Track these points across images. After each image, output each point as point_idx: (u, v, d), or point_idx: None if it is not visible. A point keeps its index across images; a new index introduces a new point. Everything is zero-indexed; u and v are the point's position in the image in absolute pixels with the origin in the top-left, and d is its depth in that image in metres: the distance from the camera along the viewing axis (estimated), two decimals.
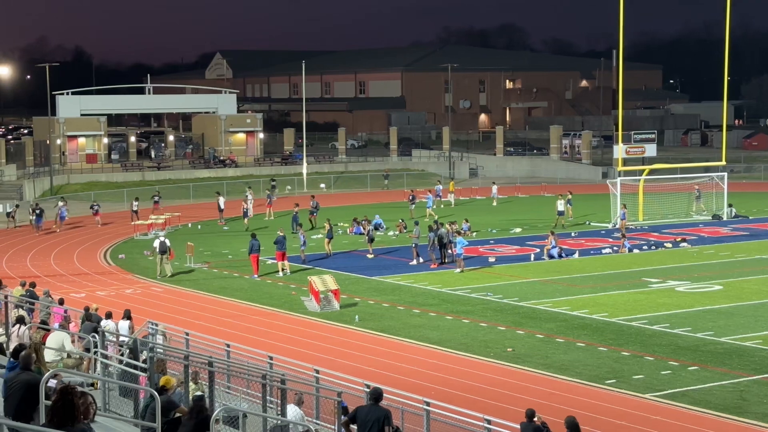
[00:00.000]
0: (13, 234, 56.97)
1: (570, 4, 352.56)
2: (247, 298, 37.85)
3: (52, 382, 12.12)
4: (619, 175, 59.78)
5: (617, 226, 54.19)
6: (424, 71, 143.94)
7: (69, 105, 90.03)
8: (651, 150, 66.84)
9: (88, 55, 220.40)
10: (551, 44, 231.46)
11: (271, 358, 22.27)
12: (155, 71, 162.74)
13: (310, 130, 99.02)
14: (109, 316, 25.86)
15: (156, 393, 13.68)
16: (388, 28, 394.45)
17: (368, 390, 17.30)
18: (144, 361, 18.48)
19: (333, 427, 18.71)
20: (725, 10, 59.95)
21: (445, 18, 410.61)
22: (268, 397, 19.02)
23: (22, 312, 23.68)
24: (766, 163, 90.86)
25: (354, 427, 15.70)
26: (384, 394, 16.13)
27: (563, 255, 45.62)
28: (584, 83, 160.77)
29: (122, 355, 20.24)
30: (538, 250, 46.96)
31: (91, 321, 24.26)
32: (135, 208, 60.02)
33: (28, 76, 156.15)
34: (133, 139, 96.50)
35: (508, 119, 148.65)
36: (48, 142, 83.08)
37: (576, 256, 46.02)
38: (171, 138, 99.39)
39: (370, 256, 46.46)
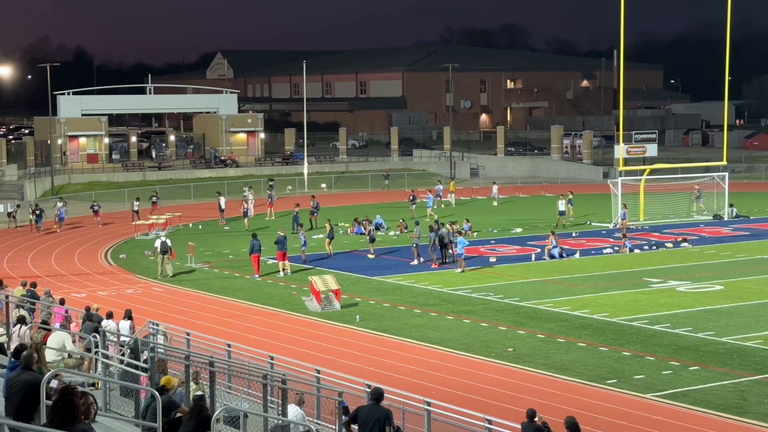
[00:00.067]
0: (14, 234, 56.99)
1: (571, 4, 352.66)
2: (247, 298, 37.85)
3: (54, 383, 12.12)
4: (620, 175, 59.76)
5: (618, 226, 54.20)
6: (425, 71, 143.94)
7: (70, 105, 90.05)
8: (652, 150, 66.82)
9: (89, 55, 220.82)
10: (552, 44, 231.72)
11: (271, 358, 22.26)
12: (156, 71, 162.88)
13: (311, 130, 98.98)
14: (110, 316, 25.85)
15: (157, 393, 13.69)
16: (389, 28, 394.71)
17: (369, 390, 17.29)
18: (145, 361, 18.49)
19: (334, 427, 18.72)
20: (726, 10, 59.94)
21: (446, 18, 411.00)
22: (269, 397, 19.02)
23: (23, 312, 23.69)
24: (766, 163, 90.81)
25: (355, 427, 15.70)
26: (385, 394, 16.13)
27: (564, 255, 45.61)
28: (585, 83, 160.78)
29: (123, 355, 20.24)
30: (539, 250, 46.95)
31: (92, 321, 24.27)
32: (136, 208, 60.10)
33: (30, 76, 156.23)
34: (134, 139, 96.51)
35: (509, 119, 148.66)
36: (49, 142, 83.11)
37: (577, 256, 46.01)
38: (172, 138, 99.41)
39: (371, 256, 46.46)
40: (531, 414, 17.83)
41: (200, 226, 59.93)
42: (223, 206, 60.71)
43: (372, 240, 47.09)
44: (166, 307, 36.23)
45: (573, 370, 26.87)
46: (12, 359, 14.75)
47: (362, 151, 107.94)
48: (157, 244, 43.22)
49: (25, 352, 13.35)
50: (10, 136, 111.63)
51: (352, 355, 29.04)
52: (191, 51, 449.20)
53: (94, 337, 19.72)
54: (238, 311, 35.83)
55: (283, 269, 42.49)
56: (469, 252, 44.98)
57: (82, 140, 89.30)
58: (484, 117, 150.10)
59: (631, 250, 47.30)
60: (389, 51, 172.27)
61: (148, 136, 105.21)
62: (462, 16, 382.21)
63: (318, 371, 20.90)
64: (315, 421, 19.46)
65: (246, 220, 57.49)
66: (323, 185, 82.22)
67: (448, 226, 45.99)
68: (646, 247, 48.54)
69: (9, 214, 60.24)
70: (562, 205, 57.15)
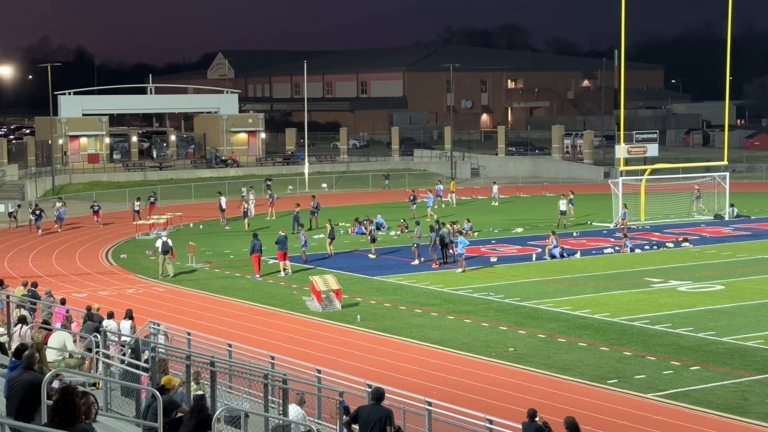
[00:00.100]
0: (15, 234, 57.00)
1: (572, 4, 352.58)
2: (248, 298, 37.85)
3: (56, 383, 12.12)
4: (621, 175, 59.75)
5: (618, 226, 54.17)
6: (426, 71, 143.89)
7: (71, 105, 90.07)
8: (653, 150, 66.82)
9: (90, 55, 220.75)
10: (553, 44, 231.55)
11: (272, 357, 22.26)
12: (157, 71, 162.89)
13: (311, 130, 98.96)
14: (110, 315, 25.85)
15: (158, 393, 13.68)
16: (389, 28, 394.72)
17: (370, 390, 17.29)
18: (146, 361, 18.49)
19: (335, 427, 18.71)
20: (727, 9, 59.94)
21: (446, 18, 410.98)
22: (269, 397, 19.01)
23: (24, 312, 23.70)
24: (767, 163, 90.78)
25: (356, 427, 15.70)
26: (386, 394, 16.12)
27: (565, 255, 45.60)
28: (586, 83, 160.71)
29: (124, 354, 20.24)
30: (539, 249, 46.95)
31: (92, 321, 24.27)
32: (137, 208, 60.13)
33: (30, 76, 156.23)
34: (134, 139, 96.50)
35: (509, 119, 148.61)
36: (50, 142, 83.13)
37: (578, 255, 46.01)
38: (173, 138, 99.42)
39: (372, 256, 46.46)
40: (532, 414, 17.83)
41: (201, 226, 59.94)
42: (224, 206, 60.72)
43: (373, 240, 47.09)
44: (167, 307, 36.24)
45: (574, 370, 26.86)
46: (13, 359, 14.76)
47: (363, 151, 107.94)
48: (159, 244, 43.23)
49: (26, 352, 13.36)
50: (11, 136, 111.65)
51: (352, 355, 29.04)
52: (192, 51, 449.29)
53: (95, 336, 19.72)
54: (239, 311, 35.83)
55: (284, 269, 42.50)
56: (470, 252, 44.97)
57: (83, 140, 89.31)
58: (484, 117, 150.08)
59: (632, 250, 47.28)
60: (390, 51, 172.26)
61: (149, 136, 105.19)
62: (462, 16, 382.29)
63: (319, 371, 20.90)
64: (316, 421, 19.46)
65: (246, 220, 57.40)
66: (324, 185, 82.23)
67: (448, 226, 45.99)
68: (647, 247, 48.53)
69: (10, 214, 60.26)
70: (563, 204, 57.17)
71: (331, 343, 30.51)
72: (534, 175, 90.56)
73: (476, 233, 52.72)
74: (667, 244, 49.39)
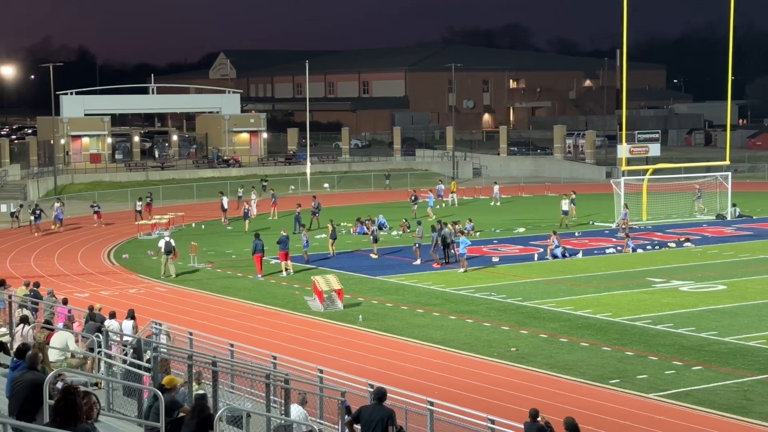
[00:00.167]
0: (17, 234, 57.03)
1: (573, 4, 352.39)
2: (250, 298, 37.86)
3: (61, 384, 12.12)
4: (623, 175, 59.73)
5: (620, 226, 54.12)
6: (428, 71, 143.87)
7: (73, 105, 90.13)
8: (655, 150, 66.78)
9: (92, 55, 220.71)
10: (555, 44, 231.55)
11: (274, 357, 22.28)
12: (159, 71, 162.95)
13: (313, 130, 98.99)
14: (112, 315, 25.88)
15: (159, 392, 13.69)
16: (391, 28, 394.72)
17: (372, 390, 17.29)
18: (148, 361, 18.49)
19: (336, 426, 18.71)
20: (729, 9, 59.90)
21: (448, 18, 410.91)
22: (271, 397, 19.01)
23: (26, 312, 23.71)
24: None
25: (358, 426, 15.69)
26: (388, 394, 16.12)
27: (567, 255, 45.59)
28: (588, 83, 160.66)
29: (126, 354, 20.25)
30: (541, 249, 46.93)
31: (94, 321, 24.29)
32: (139, 208, 60.21)
33: (32, 76, 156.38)
34: (136, 138, 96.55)
35: (511, 119, 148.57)
36: (52, 142, 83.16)
37: (580, 255, 46.01)
38: (175, 138, 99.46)
39: (373, 255, 46.46)
40: (534, 414, 17.82)
41: (203, 226, 59.95)
42: (225, 206, 60.75)
43: (375, 240, 47.10)
44: (169, 307, 36.25)
45: (576, 370, 26.86)
46: (15, 358, 14.77)
47: (365, 150, 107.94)
48: (161, 244, 43.24)
49: (30, 352, 13.37)
50: (13, 136, 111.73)
51: (354, 354, 29.04)
52: (194, 51, 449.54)
53: (97, 336, 19.73)
54: (241, 311, 35.84)
55: (286, 269, 42.51)
56: (472, 252, 44.97)
57: (85, 140, 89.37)
58: (486, 117, 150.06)
59: (634, 250, 47.27)
60: (392, 51, 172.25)
61: (150, 136, 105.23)
62: (464, 15, 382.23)
63: (321, 371, 20.91)
64: (318, 420, 19.47)
65: (246, 222, 56.95)
66: (326, 185, 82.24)
67: (450, 226, 45.99)
68: (648, 247, 48.51)
69: (12, 214, 60.30)
70: (565, 204, 57.17)
71: (333, 343, 30.51)
72: (536, 175, 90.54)
73: (478, 233, 52.74)
74: (669, 244, 49.37)
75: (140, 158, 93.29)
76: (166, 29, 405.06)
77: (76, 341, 21.85)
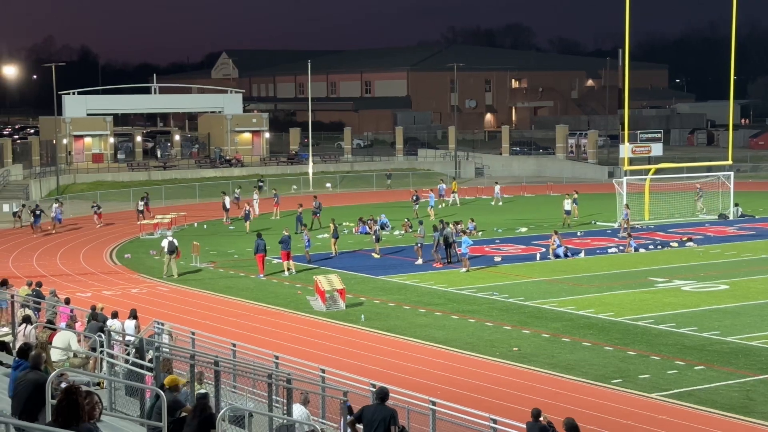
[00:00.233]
0: (19, 233, 57.07)
1: (575, 4, 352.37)
2: (252, 298, 37.87)
3: (65, 384, 12.13)
4: (625, 175, 59.70)
5: (621, 226, 54.05)
6: (430, 71, 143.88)
7: (75, 105, 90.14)
8: (657, 149, 66.75)
9: (94, 54, 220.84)
10: (557, 44, 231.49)
11: (276, 357, 22.28)
12: (161, 71, 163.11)
13: (315, 130, 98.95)
14: (115, 315, 25.91)
15: (161, 392, 13.70)
16: (393, 28, 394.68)
17: (374, 389, 17.29)
18: (150, 361, 18.51)
19: (339, 426, 18.71)
20: (731, 9, 59.87)
21: (450, 17, 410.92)
22: (273, 397, 19.02)
23: (28, 311, 23.74)
24: None
25: (360, 426, 15.70)
26: (390, 394, 16.12)
27: (569, 254, 45.58)
28: (590, 83, 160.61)
29: (128, 354, 20.27)
30: (543, 249, 46.91)
31: (97, 320, 24.31)
32: (140, 208, 60.27)
33: (35, 76, 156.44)
34: (139, 138, 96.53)
35: (513, 119, 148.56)
36: (54, 141, 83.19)
37: (582, 255, 46.00)
38: (177, 138, 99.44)
39: (376, 255, 46.46)
40: (536, 413, 17.82)
41: (205, 226, 59.97)
42: (227, 206, 60.76)
43: (377, 239, 47.10)
44: (171, 307, 36.27)
45: (578, 370, 26.85)
46: (17, 358, 14.78)
47: (367, 150, 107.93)
48: (164, 243, 43.24)
49: (33, 352, 13.39)
50: (16, 136, 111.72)
51: (357, 354, 29.04)
52: (196, 51, 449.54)
53: (100, 336, 19.75)
54: (243, 311, 35.85)
55: (288, 269, 42.52)
56: (474, 251, 44.98)
57: (87, 140, 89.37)
58: (488, 116, 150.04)
59: (636, 250, 47.25)
60: (394, 51, 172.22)
61: (153, 135, 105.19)
62: (466, 15, 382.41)
63: (323, 371, 20.91)
64: (320, 420, 19.48)
65: (247, 223, 56.61)
66: (328, 185, 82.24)
67: (451, 226, 45.97)
68: (651, 247, 48.50)
69: (14, 214, 60.34)
70: (567, 204, 57.18)
71: (335, 343, 30.52)
72: (538, 175, 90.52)
73: (480, 233, 52.73)
74: (671, 243, 49.35)
75: (142, 158, 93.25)
76: (169, 29, 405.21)
77: (79, 341, 21.88)
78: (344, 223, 56.33)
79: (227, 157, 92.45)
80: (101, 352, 19.42)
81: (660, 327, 31.47)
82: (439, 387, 24.77)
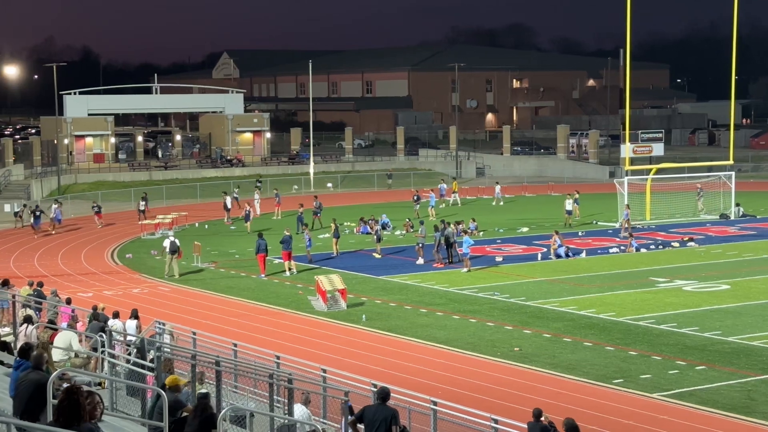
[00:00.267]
0: (20, 234, 57.07)
1: (577, 4, 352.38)
2: (254, 298, 37.88)
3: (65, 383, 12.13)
4: (627, 175, 59.69)
5: (622, 226, 54.02)
6: (431, 71, 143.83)
7: (76, 105, 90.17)
8: (658, 149, 66.74)
9: (95, 54, 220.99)
10: (558, 44, 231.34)
11: (278, 357, 22.28)
12: (162, 71, 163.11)
13: (317, 130, 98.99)
14: (116, 315, 25.90)
15: (162, 392, 13.70)
16: (394, 28, 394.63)
17: (375, 389, 17.29)
18: (151, 361, 18.51)
19: (340, 426, 18.71)
20: (732, 9, 59.86)
21: (452, 17, 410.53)
22: (275, 397, 19.03)
23: (29, 311, 23.74)
24: None
25: (361, 426, 15.70)
26: (391, 394, 16.12)
27: (570, 254, 45.57)
28: (591, 82, 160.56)
29: (129, 354, 20.27)
30: (545, 249, 46.90)
31: (98, 320, 24.31)
32: (141, 208, 60.31)
33: (36, 76, 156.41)
34: (140, 138, 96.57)
35: (515, 118, 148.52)
36: (55, 141, 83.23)
37: (583, 255, 45.98)
38: (178, 137, 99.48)
39: (377, 255, 46.46)
40: (537, 413, 17.82)
41: (206, 226, 59.97)
42: (229, 206, 60.76)
43: (379, 239, 47.09)
44: (172, 307, 36.27)
45: (579, 370, 26.85)
46: (18, 358, 14.78)
47: (368, 150, 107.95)
48: (166, 243, 43.24)
49: (35, 352, 13.39)
50: (17, 136, 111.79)
51: (358, 354, 29.04)
52: (197, 51, 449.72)
53: (101, 336, 19.74)
54: (245, 311, 35.85)
55: (289, 269, 42.52)
56: (475, 251, 44.97)
57: (89, 140, 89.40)
58: (490, 116, 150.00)
59: (637, 250, 47.25)
60: (395, 50, 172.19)
61: (154, 135, 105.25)
62: (467, 15, 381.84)
63: (324, 371, 20.92)
64: (321, 420, 19.47)
65: (248, 223, 56.52)
66: (329, 185, 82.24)
67: (452, 225, 45.97)
68: (652, 247, 48.49)
69: (16, 214, 60.33)
70: (569, 204, 57.17)
71: (337, 343, 30.52)
72: (539, 175, 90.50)
73: (481, 233, 52.73)
74: (672, 243, 49.34)
75: (143, 158, 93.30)
76: (170, 29, 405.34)
77: (80, 341, 21.88)
78: (345, 223, 56.33)
79: (228, 157, 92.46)
80: (102, 352, 19.41)
81: (661, 327, 31.46)
82: (440, 387, 24.76)
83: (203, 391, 16.93)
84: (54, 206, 58.59)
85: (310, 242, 45.34)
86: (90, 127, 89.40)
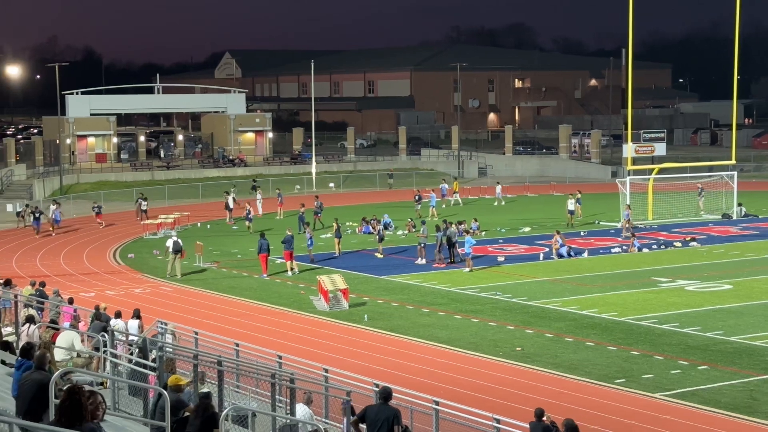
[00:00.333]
0: (23, 233, 57.08)
1: (579, 4, 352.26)
2: (256, 298, 37.88)
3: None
4: (629, 175, 59.66)
5: (623, 227, 53.97)
6: (433, 70, 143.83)
7: (79, 105, 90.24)
8: (660, 149, 66.68)
9: (97, 54, 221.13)
10: (560, 43, 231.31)
11: (280, 357, 22.28)
12: (164, 71, 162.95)
13: (319, 130, 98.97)
14: (118, 315, 25.91)
15: (164, 392, 13.70)
16: (396, 28, 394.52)
17: (377, 389, 17.29)
18: (153, 361, 18.51)
19: (342, 426, 18.71)
20: (735, 8, 59.81)
21: (454, 17, 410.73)
22: (277, 396, 19.02)
23: (31, 311, 23.75)
24: None
25: (363, 426, 15.69)
26: (393, 393, 16.12)
27: (572, 254, 45.56)
28: (593, 82, 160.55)
29: (131, 354, 20.27)
30: (547, 249, 46.89)
31: (100, 320, 24.31)
32: (144, 208, 60.35)
33: (38, 76, 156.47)
34: (142, 138, 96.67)
35: (517, 118, 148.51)
36: (58, 141, 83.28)
37: (585, 255, 45.96)
38: (180, 137, 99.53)
39: (379, 255, 46.45)
40: (539, 413, 17.82)
41: (208, 226, 59.97)
42: (231, 206, 60.75)
43: (381, 239, 47.09)
44: (174, 307, 36.27)
45: (581, 370, 26.84)
46: (19, 358, 14.79)
47: (370, 150, 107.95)
48: (169, 243, 43.26)
49: (38, 352, 13.39)
50: (19, 136, 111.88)
51: (360, 354, 29.04)
52: (199, 51, 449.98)
53: (103, 336, 19.75)
54: (247, 310, 35.86)
55: (291, 269, 42.51)
56: (477, 251, 44.97)
57: (91, 140, 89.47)
58: (492, 116, 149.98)
59: (639, 250, 47.23)
60: (397, 50, 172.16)
61: (156, 135, 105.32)
62: (469, 15, 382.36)
63: (326, 370, 20.91)
64: (323, 420, 19.47)
65: (248, 223, 56.46)
66: (331, 185, 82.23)
67: (454, 225, 45.98)
68: (654, 247, 48.46)
69: (18, 214, 60.34)
70: (571, 204, 57.15)
71: (339, 343, 30.52)
72: (541, 175, 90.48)
73: (483, 233, 52.71)
74: (674, 243, 49.32)
75: (146, 158, 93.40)
76: (172, 29, 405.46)
77: (82, 341, 21.89)
78: (347, 223, 56.34)
79: (230, 157, 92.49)
80: (104, 351, 19.42)
81: (663, 327, 31.44)
82: (443, 387, 24.76)
83: (205, 390, 16.95)
84: (52, 207, 58.45)
85: (311, 242, 45.33)
86: (92, 127, 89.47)
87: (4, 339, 21.97)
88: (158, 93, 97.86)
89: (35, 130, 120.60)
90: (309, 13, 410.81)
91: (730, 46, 61.60)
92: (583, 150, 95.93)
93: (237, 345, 23.73)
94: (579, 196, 59.07)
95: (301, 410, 18.34)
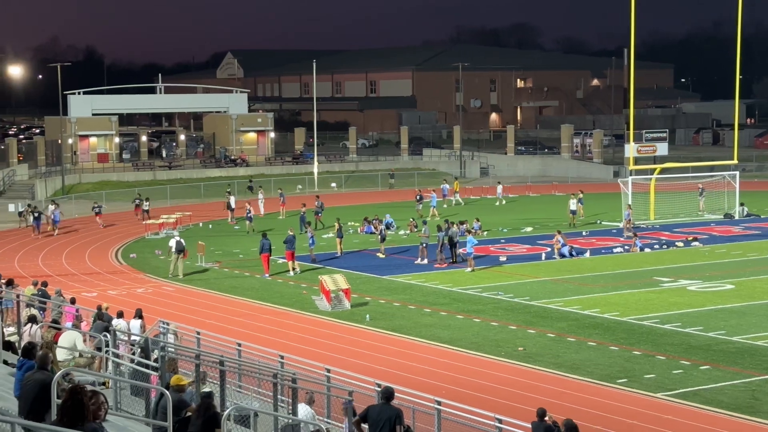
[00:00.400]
0: (25, 233, 57.10)
1: (581, 4, 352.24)
2: (258, 298, 37.89)
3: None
4: (631, 174, 59.64)
5: (624, 227, 53.93)
6: (435, 70, 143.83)
7: (80, 105, 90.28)
8: (662, 149, 66.64)
9: (99, 54, 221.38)
10: (562, 43, 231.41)
11: (282, 357, 22.28)
12: (166, 71, 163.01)
13: (320, 130, 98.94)
14: (120, 315, 25.91)
15: (166, 391, 13.70)
16: (398, 28, 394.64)
17: (379, 389, 17.29)
18: (155, 360, 18.51)
19: (344, 426, 18.72)
20: (737, 8, 59.79)
21: (456, 17, 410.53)
22: (279, 396, 19.03)
23: (34, 311, 23.76)
24: None
25: (365, 426, 15.69)
26: (395, 393, 16.12)
27: (574, 254, 45.55)
28: (595, 82, 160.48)
29: (134, 354, 20.28)
30: (549, 249, 46.87)
31: (102, 320, 24.31)
32: (146, 208, 60.37)
33: (40, 76, 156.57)
34: (144, 138, 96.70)
35: (519, 118, 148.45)
36: (60, 141, 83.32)
37: (587, 255, 45.95)
38: (182, 137, 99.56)
39: (381, 255, 46.45)
40: (541, 413, 17.82)
41: (210, 226, 59.98)
42: (233, 206, 60.77)
43: (383, 239, 47.09)
44: (176, 306, 36.29)
45: (583, 370, 26.84)
46: (21, 357, 14.80)
47: (372, 150, 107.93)
48: (172, 243, 43.27)
49: (41, 352, 13.40)
50: (21, 136, 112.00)
51: (362, 354, 29.04)
52: (201, 51, 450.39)
53: (105, 336, 19.76)
54: (249, 310, 35.86)
55: (293, 268, 42.52)
56: (479, 251, 44.96)
57: (93, 140, 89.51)
58: (494, 116, 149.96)
59: (641, 249, 47.21)
60: (399, 50, 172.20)
61: (158, 135, 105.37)
62: (471, 15, 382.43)
63: (328, 370, 20.91)
64: (325, 420, 19.47)
65: (249, 224, 56.46)
66: (333, 184, 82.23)
67: (456, 225, 45.98)
68: (656, 246, 48.45)
69: (20, 214, 60.35)
70: (573, 204, 57.13)
71: (341, 343, 30.53)
72: (543, 175, 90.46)
73: (485, 232, 52.70)
74: (676, 243, 49.30)
75: (148, 158, 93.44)
76: (174, 29, 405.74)
77: (84, 341, 21.90)
78: (349, 223, 56.35)
79: (232, 157, 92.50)
80: (107, 351, 19.43)
81: (665, 327, 31.43)
82: (445, 387, 24.76)
83: (207, 390, 16.95)
84: (51, 207, 58.34)
85: (313, 241, 45.33)
86: (94, 127, 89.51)
87: (7, 339, 22.00)
88: (160, 93, 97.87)
89: (37, 130, 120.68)
90: (311, 12, 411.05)
91: (731, 45, 61.55)
92: (585, 150, 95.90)
93: (239, 345, 23.73)
94: (581, 196, 59.05)
95: (303, 410, 18.35)
